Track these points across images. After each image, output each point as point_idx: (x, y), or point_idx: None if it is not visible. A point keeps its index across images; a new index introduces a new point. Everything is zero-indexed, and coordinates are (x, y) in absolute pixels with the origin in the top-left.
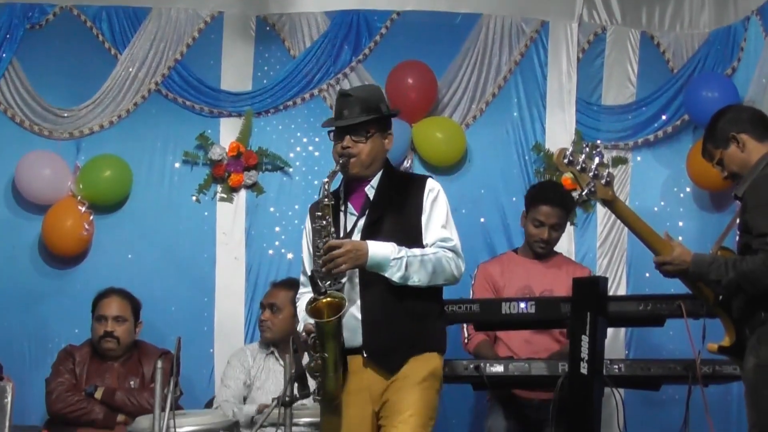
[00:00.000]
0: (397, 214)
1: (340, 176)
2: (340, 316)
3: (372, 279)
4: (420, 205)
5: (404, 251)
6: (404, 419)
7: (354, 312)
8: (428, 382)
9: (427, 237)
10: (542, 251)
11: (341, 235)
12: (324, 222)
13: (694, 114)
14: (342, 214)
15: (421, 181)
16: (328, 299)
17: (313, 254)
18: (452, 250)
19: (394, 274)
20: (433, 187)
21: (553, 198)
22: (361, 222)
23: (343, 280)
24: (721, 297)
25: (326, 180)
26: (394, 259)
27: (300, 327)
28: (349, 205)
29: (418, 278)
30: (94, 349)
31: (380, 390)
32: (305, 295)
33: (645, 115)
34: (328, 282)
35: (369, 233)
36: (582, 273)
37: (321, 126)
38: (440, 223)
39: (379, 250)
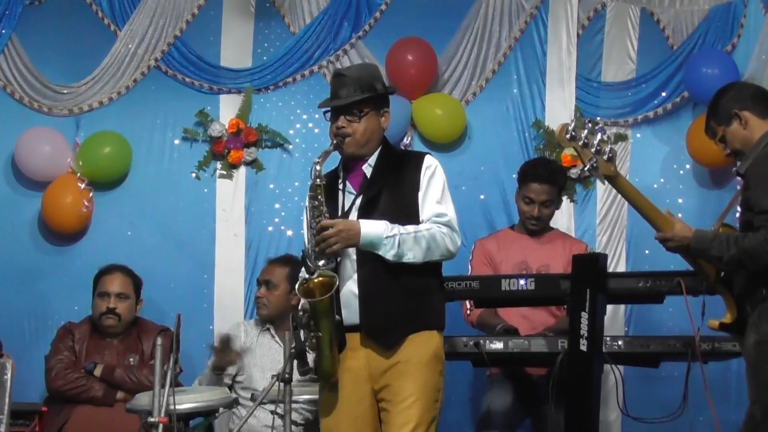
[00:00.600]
0: (394, 191)
1: (339, 155)
2: (331, 295)
3: (368, 255)
4: (417, 181)
5: (397, 229)
6: (409, 405)
7: (352, 288)
8: (431, 365)
9: (423, 213)
10: (534, 228)
11: (339, 213)
12: (316, 202)
13: (694, 91)
14: (340, 193)
15: (419, 157)
16: (320, 279)
17: (308, 234)
18: (447, 225)
19: (388, 252)
20: (430, 163)
21: (542, 175)
22: (359, 200)
23: (338, 259)
24: (722, 274)
25: (317, 160)
26: (386, 237)
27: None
28: (348, 184)
29: (412, 255)
30: (94, 326)
31: (380, 370)
32: None
33: (645, 91)
34: (322, 262)
35: (366, 211)
36: (579, 248)
37: (318, 107)
38: (435, 198)
39: (372, 229)
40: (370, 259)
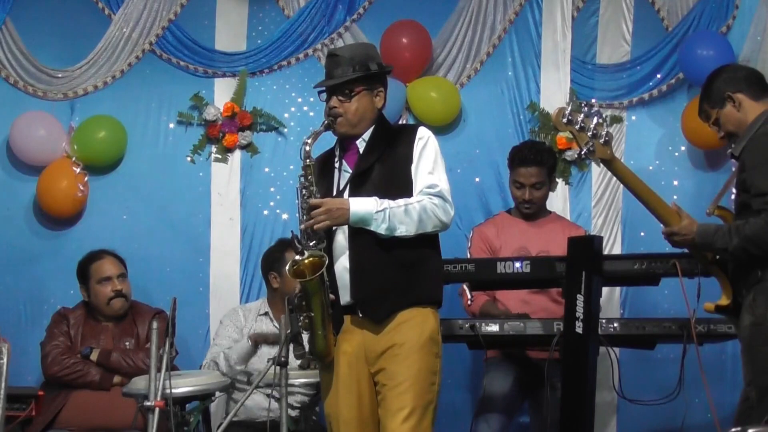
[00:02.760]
0: (386, 165)
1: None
2: (321, 274)
3: (360, 229)
4: (410, 154)
5: (386, 203)
6: (404, 390)
7: (344, 263)
8: (426, 348)
9: (417, 186)
10: (528, 211)
11: (334, 192)
12: (306, 182)
13: (689, 72)
14: (336, 171)
15: (412, 129)
16: (310, 259)
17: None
18: (438, 195)
19: (379, 227)
20: (423, 135)
21: (529, 158)
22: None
23: (324, 242)
24: (717, 256)
25: (306, 141)
26: (376, 212)
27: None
28: (344, 162)
29: (404, 228)
30: (88, 310)
31: (375, 354)
32: None
33: (640, 73)
34: (313, 242)
35: (357, 185)
36: (577, 232)
37: (312, 87)
38: (427, 169)
39: (361, 206)
40: (361, 233)
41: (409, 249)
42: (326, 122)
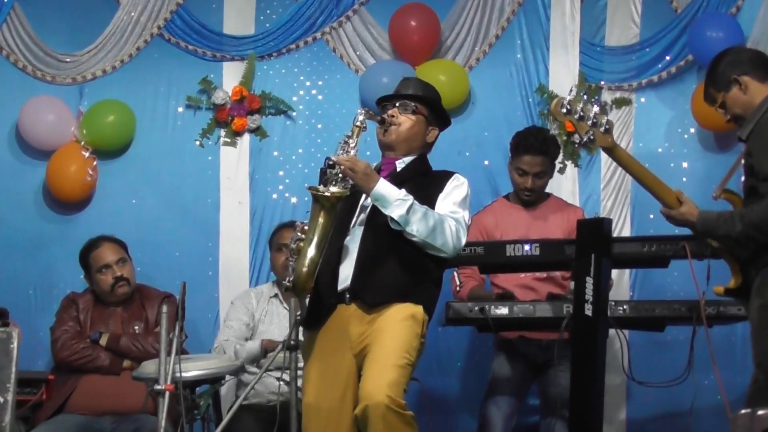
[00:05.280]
0: (417, 188)
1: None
2: (339, 198)
3: (376, 232)
4: (442, 187)
5: (412, 198)
6: (388, 339)
7: (353, 256)
8: (408, 321)
9: (439, 208)
10: (528, 198)
11: (360, 203)
12: (351, 141)
13: (699, 54)
14: None
15: (450, 173)
16: (333, 190)
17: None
18: (457, 221)
19: (394, 211)
20: (459, 177)
21: (534, 146)
22: None
23: (347, 191)
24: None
25: (364, 110)
26: (398, 199)
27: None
28: None
29: (416, 228)
30: (97, 295)
31: (360, 337)
32: None
33: (649, 55)
34: (332, 179)
35: None
36: (576, 215)
37: (376, 102)
38: (455, 201)
39: (389, 186)
40: (377, 230)
41: (418, 260)
42: (382, 116)
